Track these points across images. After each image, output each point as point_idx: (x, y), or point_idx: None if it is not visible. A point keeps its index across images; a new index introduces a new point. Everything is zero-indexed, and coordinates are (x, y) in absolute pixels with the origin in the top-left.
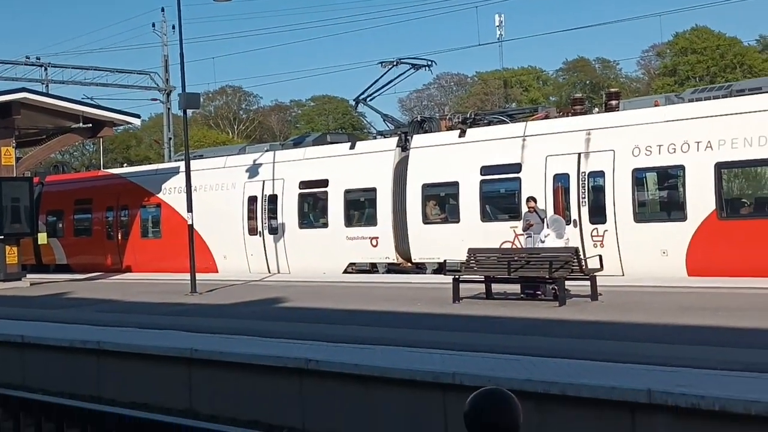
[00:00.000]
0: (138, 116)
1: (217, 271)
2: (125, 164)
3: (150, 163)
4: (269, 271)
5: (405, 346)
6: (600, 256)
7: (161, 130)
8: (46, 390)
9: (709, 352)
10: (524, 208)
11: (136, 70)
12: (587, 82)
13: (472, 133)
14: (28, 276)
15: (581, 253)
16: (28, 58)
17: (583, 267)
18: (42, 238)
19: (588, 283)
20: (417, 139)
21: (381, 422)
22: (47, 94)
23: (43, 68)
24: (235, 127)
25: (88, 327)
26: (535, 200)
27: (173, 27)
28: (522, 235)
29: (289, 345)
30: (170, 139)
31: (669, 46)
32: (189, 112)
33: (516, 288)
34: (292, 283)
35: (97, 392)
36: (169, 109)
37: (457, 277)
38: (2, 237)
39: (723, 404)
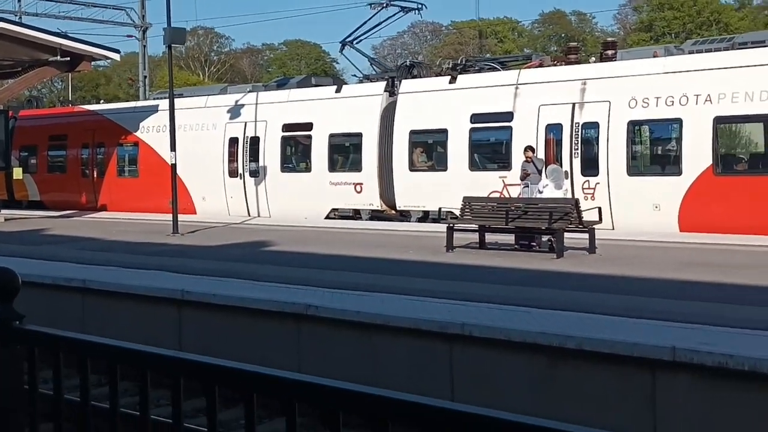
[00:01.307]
0: (117, 51)
1: (195, 213)
2: (100, 102)
3: (120, 102)
4: (249, 215)
5: (401, 294)
6: (599, 209)
7: (131, 69)
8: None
9: (722, 310)
10: (515, 158)
11: (112, 5)
12: (563, 35)
13: (462, 79)
14: (2, 211)
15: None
16: None
17: (582, 219)
18: (17, 173)
19: (582, 235)
20: (405, 84)
21: (382, 371)
22: (24, 25)
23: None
24: (206, 69)
25: (71, 265)
26: (533, 149)
27: None
28: (513, 185)
29: (285, 289)
30: (145, 77)
31: (646, 1)
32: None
33: (509, 238)
34: (274, 227)
35: (82, 332)
36: (144, 46)
37: (451, 225)
38: None
39: (754, 364)
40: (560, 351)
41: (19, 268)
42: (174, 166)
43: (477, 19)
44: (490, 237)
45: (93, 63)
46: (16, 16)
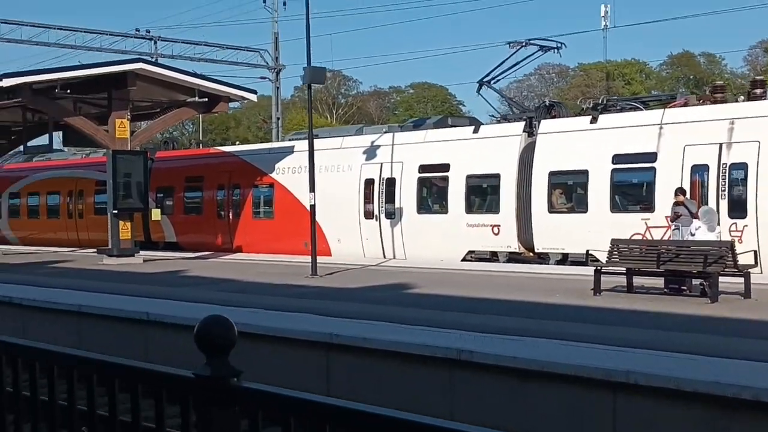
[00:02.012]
0: (255, 92)
1: (330, 255)
2: (235, 143)
3: (250, 144)
4: (384, 257)
5: (554, 338)
6: (755, 252)
7: (260, 111)
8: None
9: None
10: (658, 200)
11: (246, 47)
12: (691, 76)
13: (604, 119)
14: (140, 253)
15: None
16: (138, 31)
17: (738, 263)
18: (155, 214)
19: (733, 280)
20: (545, 125)
21: (538, 420)
22: (163, 66)
23: (152, 42)
24: (334, 112)
25: (213, 306)
26: (684, 192)
27: (284, 3)
28: (656, 227)
29: (435, 333)
30: (278, 119)
31: None
32: (294, 93)
33: (657, 282)
34: (411, 270)
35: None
36: (278, 88)
37: (599, 268)
38: (116, 212)
39: None
40: (735, 402)
41: (163, 310)
42: (313, 207)
43: (604, 61)
44: (637, 280)
45: (230, 104)
46: (152, 58)
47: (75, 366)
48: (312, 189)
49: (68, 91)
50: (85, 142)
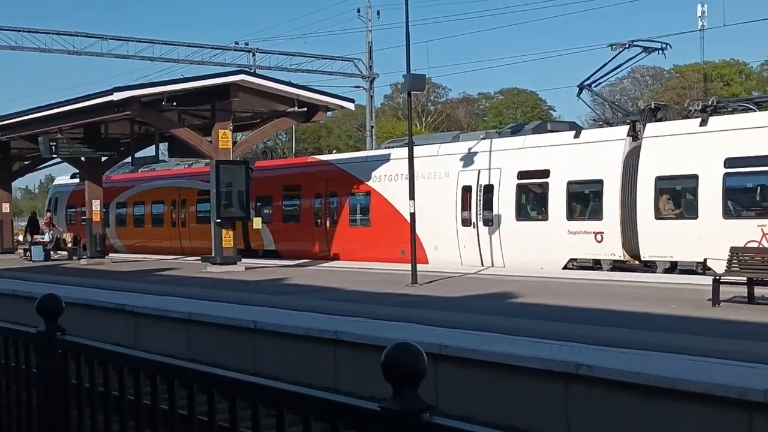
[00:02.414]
0: (352, 101)
1: (427, 263)
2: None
3: (342, 153)
4: (482, 264)
5: (674, 352)
6: None
7: (350, 120)
8: (279, 378)
9: None
10: None
11: (340, 57)
12: None
13: (714, 122)
14: (242, 261)
15: None
16: (237, 44)
17: None
18: (257, 222)
19: None
20: (650, 128)
21: None
22: (264, 77)
23: (251, 54)
24: (424, 119)
25: (320, 316)
26: None
27: (377, 13)
28: None
29: (548, 346)
30: (372, 127)
31: None
32: (384, 101)
33: None
34: (512, 278)
35: (334, 384)
36: (372, 96)
37: (717, 278)
38: (218, 221)
39: None
40: None
41: (272, 318)
42: (413, 215)
43: (701, 62)
44: (758, 291)
45: (328, 113)
46: (251, 69)
47: (238, 392)
48: (412, 197)
49: (174, 103)
50: (189, 152)
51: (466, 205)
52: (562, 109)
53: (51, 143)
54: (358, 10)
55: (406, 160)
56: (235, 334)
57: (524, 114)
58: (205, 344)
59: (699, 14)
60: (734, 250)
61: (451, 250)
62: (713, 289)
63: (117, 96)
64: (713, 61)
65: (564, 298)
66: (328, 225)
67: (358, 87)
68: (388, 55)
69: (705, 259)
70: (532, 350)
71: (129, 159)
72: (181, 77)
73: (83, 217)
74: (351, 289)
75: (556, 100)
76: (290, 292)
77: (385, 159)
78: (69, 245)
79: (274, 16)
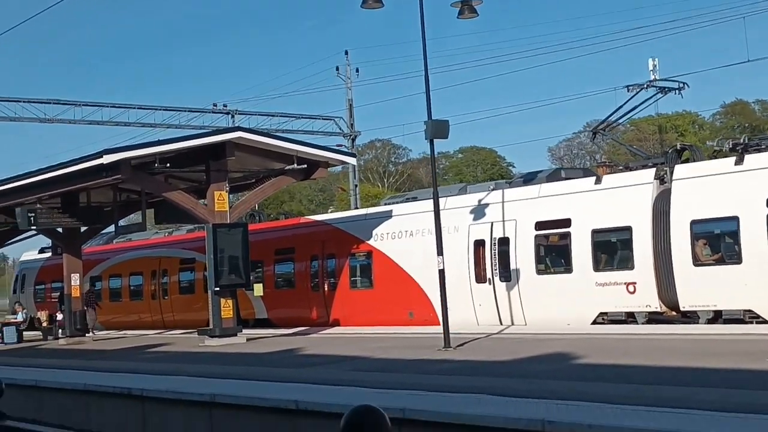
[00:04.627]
0: (354, 155)
1: (438, 324)
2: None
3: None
4: (501, 323)
5: None
6: None
7: (310, 185)
8: None
9: None
10: None
11: (321, 116)
12: (746, 125)
13: (751, 160)
14: (243, 331)
15: None
16: (215, 106)
17: None
18: (258, 290)
19: None
20: (680, 170)
21: None
22: (262, 133)
23: (230, 116)
24: (386, 180)
25: (371, 391)
26: None
27: (356, 70)
28: None
29: (658, 415)
30: (356, 185)
31: None
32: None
33: None
34: (547, 337)
35: None
36: (354, 155)
37: None
38: (217, 289)
39: None
40: None
41: (312, 397)
42: (442, 272)
43: (655, 115)
44: None
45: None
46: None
47: None
48: (440, 252)
49: (167, 165)
50: (178, 218)
51: (479, 261)
52: (521, 165)
53: (30, 214)
54: (337, 68)
55: (410, 216)
56: (271, 417)
57: (484, 171)
58: (232, 430)
59: (651, 68)
60: None
61: (464, 308)
62: None
63: (107, 159)
64: (667, 113)
65: (628, 357)
66: (326, 289)
67: (341, 146)
68: (369, 112)
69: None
70: (645, 422)
71: (108, 229)
72: (177, 137)
73: (52, 294)
74: (380, 357)
75: (514, 156)
76: (315, 364)
77: (387, 216)
78: (44, 324)
79: (251, 77)
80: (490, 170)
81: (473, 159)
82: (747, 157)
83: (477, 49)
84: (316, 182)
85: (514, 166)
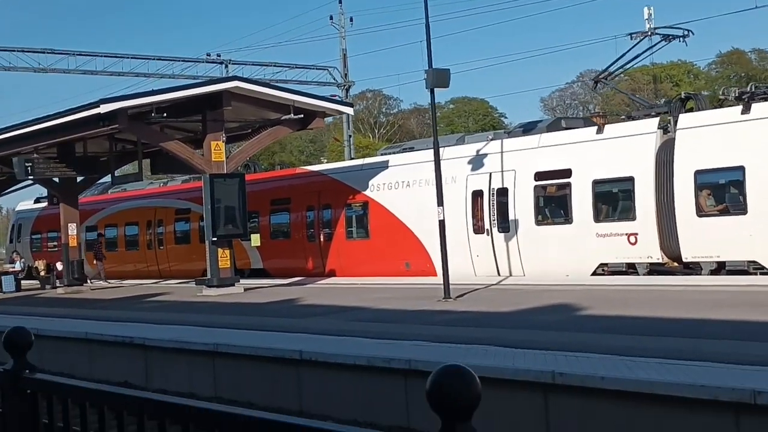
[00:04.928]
0: (351, 105)
1: (435, 275)
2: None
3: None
4: (499, 274)
5: None
6: None
7: (301, 136)
8: (333, 418)
9: None
10: None
11: (314, 66)
12: (742, 74)
13: (758, 108)
14: (240, 281)
15: None
16: (209, 55)
17: None
18: (255, 240)
19: None
20: (684, 119)
21: None
22: (258, 82)
23: (223, 65)
24: (377, 131)
25: (374, 342)
26: None
27: (351, 19)
28: None
29: (708, 369)
30: (350, 136)
31: None
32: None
33: None
34: (547, 287)
35: (407, 422)
36: (351, 104)
37: None
38: (215, 239)
39: None
40: None
41: (319, 347)
42: (442, 222)
43: (650, 65)
44: None
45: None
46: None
47: None
48: (440, 202)
49: (164, 115)
50: (174, 168)
51: (477, 212)
52: (513, 116)
53: (27, 164)
54: (331, 17)
55: (407, 166)
56: (274, 367)
57: (476, 122)
58: (234, 380)
59: (646, 16)
60: None
61: (462, 260)
62: None
63: (104, 108)
64: (661, 63)
65: (634, 308)
66: (321, 239)
67: (334, 96)
68: (365, 61)
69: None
70: (677, 376)
71: (105, 179)
72: (173, 86)
73: (49, 244)
74: (380, 308)
75: (506, 106)
76: (314, 315)
77: (383, 166)
78: (42, 273)
79: (244, 26)
80: (481, 121)
81: (464, 110)
82: (754, 106)
83: None
84: (307, 133)
85: (506, 117)
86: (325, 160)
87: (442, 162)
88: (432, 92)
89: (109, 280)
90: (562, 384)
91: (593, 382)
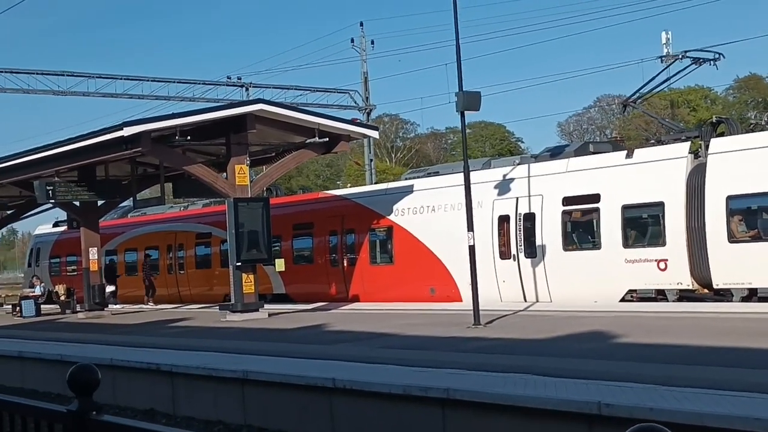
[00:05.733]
0: (376, 128)
1: (461, 300)
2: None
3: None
4: (525, 300)
5: None
6: None
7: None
8: None
9: None
10: None
11: (335, 89)
12: (759, 99)
13: None
14: (265, 306)
15: None
16: (229, 78)
17: None
18: (279, 264)
19: None
20: (716, 144)
21: None
22: (283, 105)
23: (244, 89)
24: (393, 156)
25: (408, 369)
26: None
27: (372, 42)
28: None
29: (701, 396)
30: (371, 160)
31: None
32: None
33: None
34: (577, 314)
35: None
36: (376, 128)
37: None
38: (239, 264)
39: None
40: None
41: (351, 375)
42: (472, 248)
43: (667, 90)
44: None
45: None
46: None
47: None
48: (470, 227)
49: (188, 138)
50: (197, 192)
51: (503, 237)
52: (530, 140)
53: (48, 188)
54: (352, 40)
55: (432, 190)
56: (306, 395)
57: (492, 147)
58: (264, 408)
59: (664, 41)
60: None
61: (488, 285)
62: None
63: (127, 131)
64: (679, 88)
65: (670, 335)
66: (345, 264)
67: (356, 119)
68: (385, 85)
69: None
70: (734, 408)
71: (126, 203)
72: (197, 109)
73: (68, 268)
74: (409, 334)
75: (523, 131)
76: (343, 341)
77: (408, 191)
78: (62, 298)
79: (265, 49)
80: (498, 145)
81: (481, 134)
82: None
83: (485, 22)
84: (324, 157)
85: (522, 142)
86: (341, 185)
87: None
88: (462, 115)
89: (124, 304)
90: (608, 415)
91: (641, 413)
